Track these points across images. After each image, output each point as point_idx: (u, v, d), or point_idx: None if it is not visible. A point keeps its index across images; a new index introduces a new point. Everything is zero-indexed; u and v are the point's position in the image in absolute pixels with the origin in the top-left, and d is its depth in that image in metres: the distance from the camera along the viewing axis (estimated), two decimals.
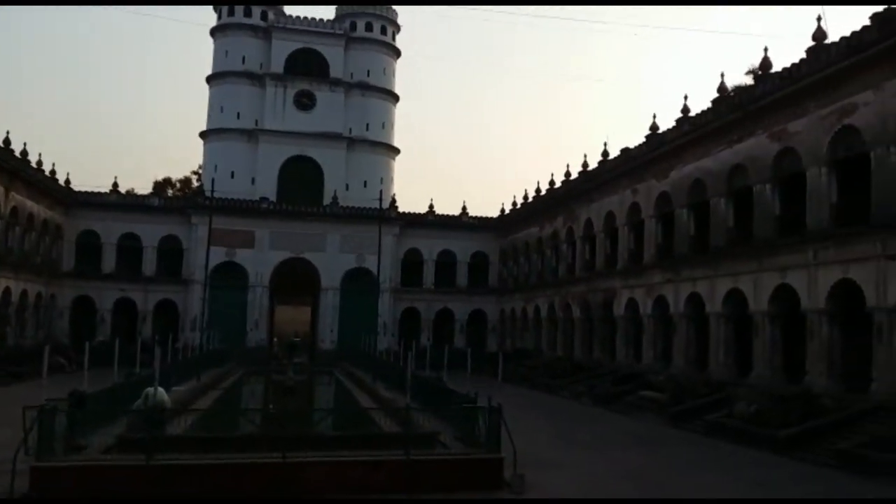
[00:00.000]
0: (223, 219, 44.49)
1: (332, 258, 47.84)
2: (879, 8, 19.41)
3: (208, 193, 43.69)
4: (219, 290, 44.52)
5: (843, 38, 20.60)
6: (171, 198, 56.85)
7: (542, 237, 44.04)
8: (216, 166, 52.25)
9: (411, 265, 49.99)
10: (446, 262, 50.60)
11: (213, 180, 44.86)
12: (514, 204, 49.82)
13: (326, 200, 50.47)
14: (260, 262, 46.73)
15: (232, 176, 51.59)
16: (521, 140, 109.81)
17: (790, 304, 22.04)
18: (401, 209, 50.25)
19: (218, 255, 44.36)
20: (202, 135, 55.25)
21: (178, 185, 67.59)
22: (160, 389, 15.13)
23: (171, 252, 46.31)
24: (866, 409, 17.68)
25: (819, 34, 21.91)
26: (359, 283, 47.58)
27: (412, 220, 49.95)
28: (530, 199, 47.13)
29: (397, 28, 58.54)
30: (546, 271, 43.19)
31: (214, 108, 54.49)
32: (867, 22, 19.67)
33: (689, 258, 27.65)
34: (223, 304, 44.55)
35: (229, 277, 45.79)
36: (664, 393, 23.76)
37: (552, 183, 43.64)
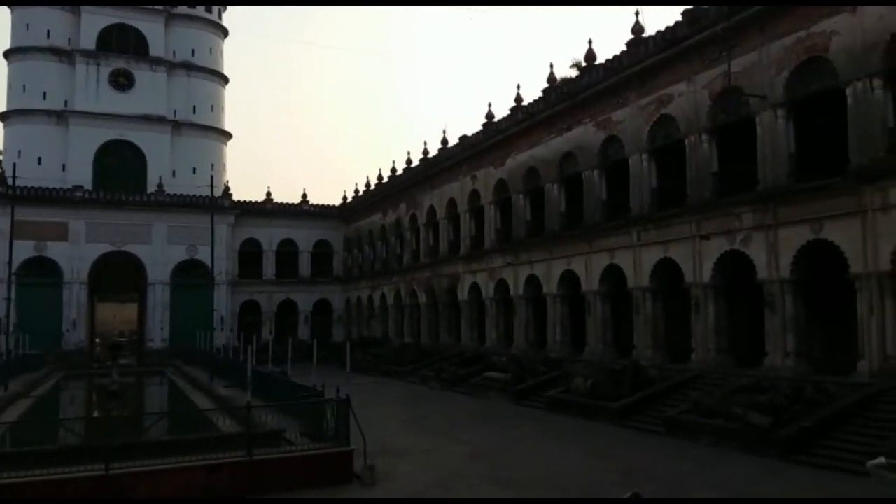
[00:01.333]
0: (30, 209, 39.85)
1: (159, 250, 44.57)
2: (690, 5, 21.08)
3: (10, 181, 38.79)
4: (29, 288, 39.86)
5: (658, 33, 22.16)
6: None
7: (385, 224, 43.92)
8: (19, 151, 46.64)
9: (249, 256, 47.91)
10: (288, 251, 49.08)
11: (14, 166, 39.88)
12: (357, 191, 49.30)
13: (151, 188, 46.85)
14: (76, 256, 42.48)
15: (39, 162, 46.35)
16: (361, 127, 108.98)
17: (618, 283, 23.56)
18: (236, 197, 47.92)
19: (26, 250, 39.70)
20: (2, 116, 49.07)
21: None
22: None
23: None
24: (688, 378, 19.32)
25: (637, 28, 23.42)
26: (191, 276, 44.73)
27: (249, 209, 47.81)
28: (373, 187, 46.84)
29: (223, 5, 55.42)
30: (391, 258, 43.18)
31: (15, 86, 48.54)
32: (679, 18, 21.28)
33: (527, 242, 28.75)
34: (34, 303, 40.05)
35: (40, 274, 41.20)
36: (507, 373, 24.54)
37: (394, 170, 43.64)
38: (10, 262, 37.63)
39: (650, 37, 22.66)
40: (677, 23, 21.40)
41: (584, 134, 25.54)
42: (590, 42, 26.27)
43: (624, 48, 23.81)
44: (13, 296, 37.40)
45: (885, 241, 15.22)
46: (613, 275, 23.79)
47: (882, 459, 6.96)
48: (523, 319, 28.94)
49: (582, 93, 25.41)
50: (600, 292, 24.36)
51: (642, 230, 22.49)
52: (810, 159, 17.80)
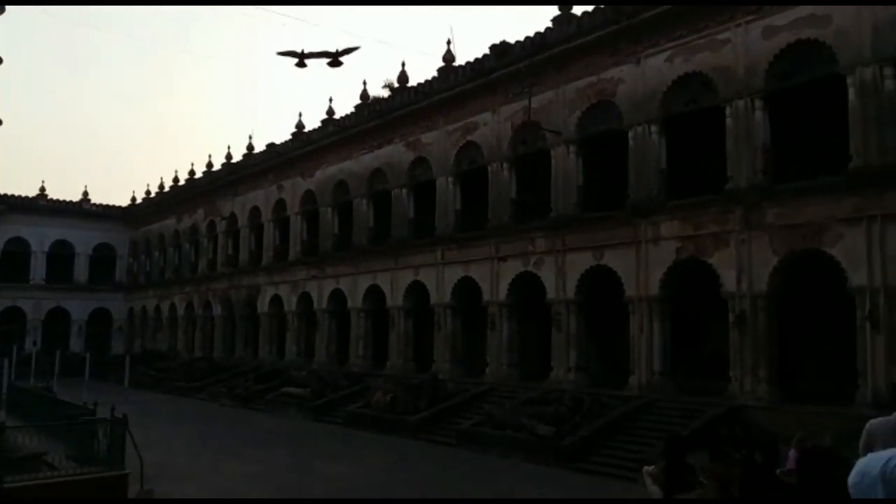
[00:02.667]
0: None
1: None
2: (497, 40, 22.42)
3: None
4: None
5: (468, 63, 23.28)
6: None
7: (179, 230, 41.14)
8: None
9: (14, 257, 42.10)
10: (61, 254, 43.84)
11: None
12: (148, 193, 45.78)
13: None
14: None
15: None
16: (155, 126, 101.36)
17: (422, 299, 24.12)
18: (1, 190, 42.10)
19: None
20: None
21: None
22: None
23: None
24: (482, 391, 20.20)
25: (448, 56, 24.44)
26: None
27: (17, 204, 42.32)
28: (167, 189, 43.70)
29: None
30: (184, 266, 40.49)
31: None
32: (487, 51, 22.54)
33: (334, 256, 28.48)
34: None
35: None
36: (307, 388, 23.95)
37: (192, 173, 41.17)
38: None
39: (460, 66, 23.72)
40: (485, 55, 22.62)
41: (395, 153, 25.98)
42: (403, 64, 26.82)
43: (435, 74, 24.68)
44: None
45: (655, 269, 17.18)
46: (417, 291, 24.32)
47: (652, 468, 7.80)
48: (326, 333, 28.53)
49: (393, 112, 25.89)
50: (404, 308, 24.75)
51: (446, 249, 23.27)
52: (596, 192, 19.59)
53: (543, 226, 20.10)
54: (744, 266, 15.51)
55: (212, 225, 37.91)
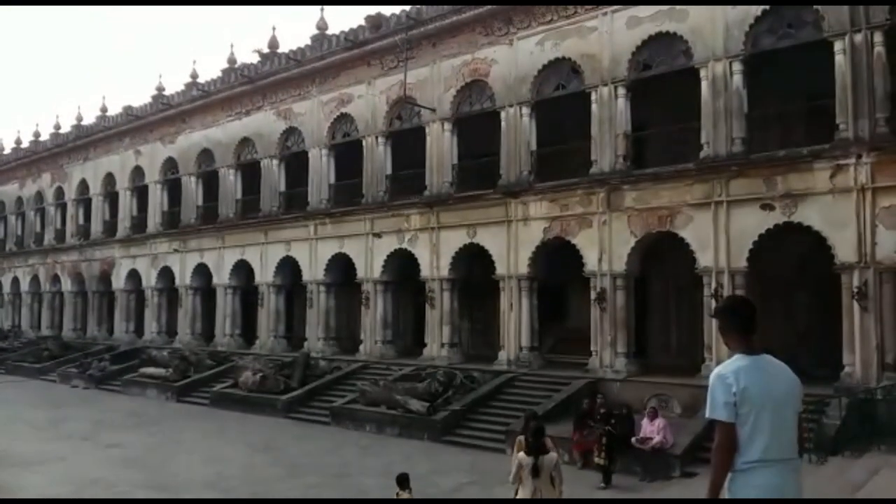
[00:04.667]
0: None
1: None
2: (373, 10, 21.98)
3: None
4: None
5: (342, 32, 22.68)
6: None
7: (23, 196, 37.64)
8: None
9: None
10: None
11: None
12: None
13: None
14: None
15: None
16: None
17: (294, 275, 23.56)
18: None
19: None
20: None
21: None
22: None
23: None
24: (356, 368, 20.15)
25: (322, 24, 23.74)
26: None
27: None
28: (8, 151, 39.60)
29: None
30: (28, 237, 37.03)
31: None
32: (363, 22, 22.07)
33: (198, 228, 27.09)
34: None
35: None
36: (169, 368, 22.82)
37: (37, 134, 37.54)
38: None
39: (334, 35, 23.09)
40: (360, 26, 22.14)
41: (264, 121, 24.98)
42: (273, 29, 25.82)
43: (308, 42, 23.88)
44: None
45: (524, 248, 17.76)
46: (289, 267, 23.71)
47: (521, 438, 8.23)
48: (190, 311, 27.22)
49: (263, 79, 24.84)
50: (275, 284, 24.08)
51: (320, 224, 22.80)
52: (470, 171, 19.88)
53: (418, 203, 20.15)
54: (605, 246, 16.37)
55: (60, 192, 34.87)
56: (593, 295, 16.43)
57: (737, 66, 14.90)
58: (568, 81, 17.74)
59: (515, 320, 17.81)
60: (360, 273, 21.43)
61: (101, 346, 29.37)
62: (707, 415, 3.37)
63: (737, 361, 3.37)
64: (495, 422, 14.80)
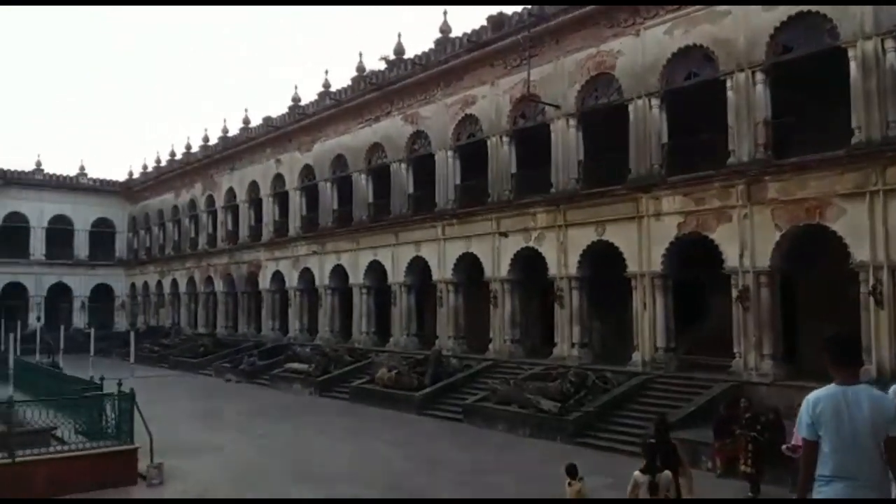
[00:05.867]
0: None
1: None
2: (494, 10, 22.07)
3: None
4: None
5: (465, 35, 22.96)
6: None
7: (178, 205, 41.07)
8: None
9: (13, 232, 42.00)
10: (61, 229, 43.76)
11: None
12: (145, 168, 45.53)
13: None
14: None
15: None
16: (152, 97, 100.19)
17: (424, 275, 24.18)
18: None
19: None
20: None
21: None
22: None
23: None
24: (485, 367, 20.39)
25: (445, 27, 24.09)
26: None
27: (13, 179, 42.16)
28: (164, 164, 43.46)
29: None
30: (184, 242, 40.47)
31: None
32: (485, 22, 22.20)
33: (334, 231, 28.45)
34: None
35: None
36: (311, 364, 24.17)
37: (189, 147, 40.89)
38: None
39: (457, 38, 23.41)
40: (483, 27, 22.30)
41: (393, 126, 25.78)
42: (399, 36, 26.42)
43: (432, 46, 24.35)
44: None
45: (657, 245, 17.20)
46: (419, 267, 24.36)
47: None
48: (329, 310, 28.66)
49: (390, 85, 25.61)
50: (406, 284, 24.82)
51: (447, 224, 23.25)
52: (597, 167, 19.50)
53: (544, 200, 20.06)
54: (746, 241, 15.53)
55: (210, 200, 37.79)
56: (734, 293, 15.64)
57: (890, 44, 13.64)
58: (700, 69, 16.98)
59: (650, 320, 17.31)
60: (488, 272, 21.65)
61: (251, 343, 31.54)
62: (794, 432, 4.11)
63: (826, 389, 4.00)
64: (631, 424, 14.46)
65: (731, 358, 15.66)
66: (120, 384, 12.24)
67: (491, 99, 22.01)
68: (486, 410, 17.06)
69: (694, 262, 16.97)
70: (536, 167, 20.64)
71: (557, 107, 19.78)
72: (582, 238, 19.06)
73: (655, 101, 17.61)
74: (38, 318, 40.08)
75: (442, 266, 23.30)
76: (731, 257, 15.79)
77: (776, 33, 15.29)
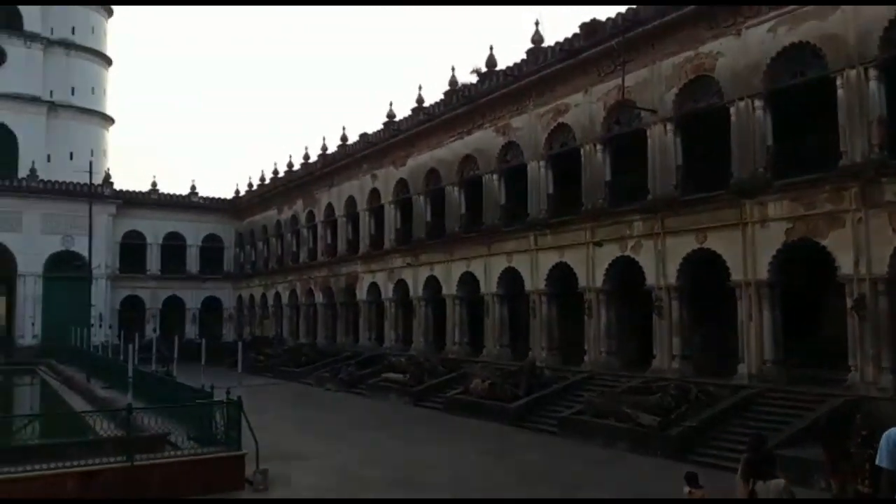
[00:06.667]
0: None
1: (30, 240, 41.19)
2: (587, 17, 21.81)
3: None
4: None
5: (557, 44, 22.79)
6: None
7: (281, 220, 42.79)
8: None
9: (132, 249, 45.19)
10: (174, 245, 46.69)
11: None
12: (251, 185, 47.75)
13: (22, 173, 43.31)
14: None
15: None
16: (256, 120, 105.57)
17: (516, 286, 24.05)
18: (118, 186, 45.13)
19: None
20: None
21: None
22: None
23: None
24: (580, 379, 19.99)
25: (537, 37, 23.99)
26: (67, 268, 41.62)
27: (132, 199, 45.19)
28: (267, 182, 45.49)
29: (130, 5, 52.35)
30: (287, 256, 42.10)
31: None
32: (577, 30, 21.98)
33: (427, 244, 28.81)
34: None
35: None
36: (406, 374, 24.49)
37: (290, 165, 42.59)
38: None
39: (549, 47, 23.28)
40: (575, 35, 22.07)
41: (484, 138, 25.89)
42: (491, 48, 26.56)
43: (524, 56, 24.33)
44: None
45: (763, 253, 16.37)
46: (511, 278, 24.26)
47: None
48: (423, 320, 29.00)
49: (482, 98, 25.76)
50: (498, 294, 24.77)
51: (539, 235, 23.06)
52: (697, 172, 18.84)
53: (641, 208, 19.54)
54: (861, 247, 14.53)
55: (311, 215, 39.18)
56: (849, 302, 14.61)
57: None
58: (807, 68, 16.10)
59: (756, 331, 16.44)
60: (582, 282, 21.27)
61: (349, 353, 32.29)
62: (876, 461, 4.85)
63: None
64: (736, 441, 13.71)
65: (846, 371, 14.63)
66: (228, 392, 12.70)
67: (584, 107, 21.73)
68: (582, 423, 16.69)
69: (804, 269, 16.02)
70: (632, 174, 20.17)
71: (654, 112, 19.29)
72: (681, 246, 18.41)
73: (759, 103, 16.83)
74: (155, 330, 42.76)
75: (534, 276, 23.09)
76: (844, 264, 14.79)
77: (890, 26, 14.31)
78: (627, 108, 20.11)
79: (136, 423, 12.47)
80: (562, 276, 22.26)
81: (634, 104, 19.75)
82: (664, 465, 13.81)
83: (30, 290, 41.31)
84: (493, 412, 19.29)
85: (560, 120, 22.58)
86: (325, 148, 38.63)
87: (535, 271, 23.14)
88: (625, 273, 20.17)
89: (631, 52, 19.74)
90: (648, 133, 19.54)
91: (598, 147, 21.22)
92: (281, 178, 43.56)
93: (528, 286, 23.36)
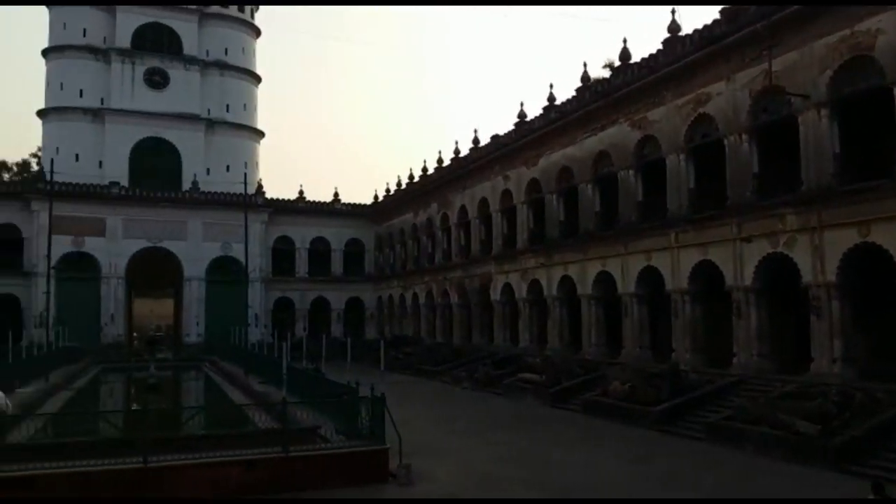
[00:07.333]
0: (68, 205, 40.97)
1: (194, 247, 45.19)
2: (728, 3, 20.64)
3: (48, 177, 39.83)
4: (68, 283, 40.79)
5: (696, 31, 21.76)
6: (6, 182, 51.33)
7: (417, 223, 43.94)
8: (57, 148, 47.77)
9: (282, 253, 48.35)
10: (320, 249, 49.42)
11: (52, 162, 40.98)
12: (388, 191, 49.41)
13: (185, 185, 47.53)
14: (113, 251, 43.22)
15: (76, 159, 47.38)
16: (393, 126, 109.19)
17: (656, 285, 23.20)
18: (269, 195, 48.42)
19: (64, 245, 40.81)
20: (40, 114, 50.10)
21: (14, 168, 61.02)
22: None
23: (10, 242, 41.46)
24: (729, 383, 18.94)
25: (674, 26, 23.02)
26: (226, 272, 45.37)
27: (282, 207, 48.24)
28: (403, 186, 46.89)
29: (256, 5, 55.96)
30: (422, 258, 43.18)
31: (53, 84, 49.53)
32: (718, 16, 20.85)
33: (560, 243, 28.47)
34: (73, 297, 40.85)
35: (79, 269, 42.02)
36: (542, 374, 24.33)
37: (425, 170, 43.64)
38: (48, 256, 38.71)
39: (687, 35, 22.30)
40: (715, 21, 21.03)
41: (619, 133, 25.21)
42: (624, 41, 25.85)
43: (660, 47, 23.44)
44: (52, 289, 38.31)
45: None
46: (650, 277, 23.45)
47: None
48: (557, 321, 28.68)
49: (616, 92, 25.09)
50: (637, 294, 24.03)
51: (680, 232, 22.11)
52: (856, 160, 17.31)
53: (793, 201, 18.23)
54: None
55: (445, 217, 39.93)
56: None
57: None
58: None
59: None
60: (729, 281, 20.14)
61: (484, 353, 32.59)
62: None
63: None
64: None
65: None
66: (373, 388, 13.18)
67: (727, 96, 20.60)
68: (732, 430, 15.75)
69: None
70: (781, 165, 18.84)
71: (806, 97, 17.93)
72: (841, 240, 16.97)
73: None
74: (304, 329, 45.40)
75: (676, 275, 22.16)
76: None
77: None
78: (776, 95, 18.83)
79: (290, 417, 13.26)
80: (706, 274, 21.21)
81: (783, 90, 18.46)
82: (824, 476, 12.80)
83: (194, 293, 45.25)
84: (633, 416, 18.72)
85: (701, 110, 21.58)
86: (457, 151, 39.25)
87: (675, 270, 22.21)
88: (777, 270, 18.89)
89: (778, 35, 18.52)
90: (800, 120, 18.22)
91: (744, 137, 20.05)
92: (416, 182, 44.74)
93: (668, 285, 22.47)
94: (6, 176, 58.23)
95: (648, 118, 23.82)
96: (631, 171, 24.63)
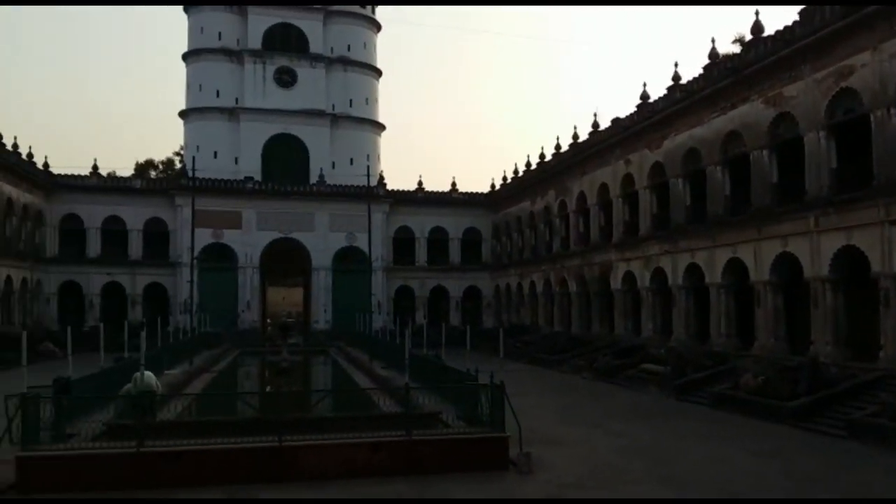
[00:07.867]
0: (208, 200, 44.02)
1: (321, 237, 47.30)
2: None
3: (190, 174, 43.03)
4: (208, 272, 44.05)
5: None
6: (153, 179, 55.95)
7: (534, 211, 43.61)
8: (198, 146, 51.34)
9: (403, 243, 49.64)
10: (438, 239, 50.28)
11: (193, 160, 44.25)
12: (505, 179, 49.34)
13: (313, 179, 49.77)
14: (248, 242, 46.10)
15: (215, 156, 50.70)
16: (508, 112, 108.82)
17: (793, 272, 21.74)
18: (389, 186, 49.80)
19: (205, 237, 44.03)
20: (182, 114, 54.10)
21: (160, 166, 66.46)
22: (148, 373, 14.67)
23: (157, 235, 45.64)
24: (874, 378, 17.47)
25: None
26: (350, 262, 47.22)
27: (402, 198, 49.42)
28: (520, 174, 46.66)
29: (379, 5, 57.43)
30: (540, 246, 42.84)
31: (193, 86, 53.24)
32: None
33: (686, 229, 27.29)
34: (213, 285, 44.07)
35: (218, 259, 45.25)
36: (666, 366, 23.49)
37: (542, 156, 43.15)
38: (192, 248, 41.95)
39: (827, 5, 20.59)
40: None
41: (751, 111, 23.77)
42: (756, 13, 24.19)
43: (796, 18, 21.82)
44: (195, 279, 41.45)
45: None
46: (786, 264, 22.01)
47: None
48: (683, 310, 27.55)
49: (748, 67, 23.63)
50: (771, 282, 22.62)
51: (821, 215, 20.57)
52: None
53: None
54: None
55: (563, 204, 39.35)
56: None
57: None
58: None
59: None
60: (876, 268, 18.51)
61: (603, 343, 31.91)
62: None
63: None
64: None
65: None
66: (492, 376, 13.18)
67: (873, 67, 18.91)
68: (879, 427, 14.55)
69: None
70: None
71: None
72: None
73: None
74: (424, 316, 46.43)
75: (815, 262, 20.64)
76: None
77: None
78: None
79: (412, 402, 13.51)
80: (850, 260, 19.64)
81: None
82: None
83: (322, 282, 47.42)
84: (766, 410, 17.66)
85: (843, 84, 19.96)
86: (576, 136, 38.48)
87: (815, 256, 20.70)
88: None
89: None
90: None
91: (892, 111, 18.33)
92: (533, 169, 44.35)
93: (807, 273, 20.99)
94: (153, 173, 63.42)
95: (784, 94, 22.30)
96: (765, 152, 23.18)
